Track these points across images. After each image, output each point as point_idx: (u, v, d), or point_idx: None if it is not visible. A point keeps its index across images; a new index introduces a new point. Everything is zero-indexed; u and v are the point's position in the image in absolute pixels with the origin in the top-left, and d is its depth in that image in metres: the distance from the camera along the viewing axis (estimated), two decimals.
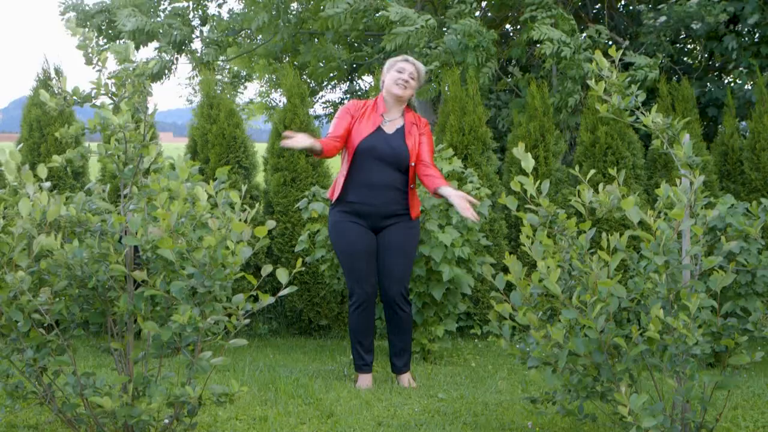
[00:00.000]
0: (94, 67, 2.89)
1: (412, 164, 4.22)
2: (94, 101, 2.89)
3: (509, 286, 3.08)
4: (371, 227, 4.23)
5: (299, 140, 3.99)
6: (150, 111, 2.91)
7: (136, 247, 2.88)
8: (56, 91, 2.87)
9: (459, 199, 3.99)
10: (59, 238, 2.74)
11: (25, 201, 2.67)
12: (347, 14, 8.30)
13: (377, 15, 8.19)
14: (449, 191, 4.07)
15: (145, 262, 2.85)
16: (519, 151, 3.16)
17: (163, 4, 11.14)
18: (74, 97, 2.87)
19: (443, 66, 7.61)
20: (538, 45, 7.56)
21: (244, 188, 3.09)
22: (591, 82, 3.16)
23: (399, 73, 4.28)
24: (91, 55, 2.88)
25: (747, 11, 7.90)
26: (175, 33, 10.12)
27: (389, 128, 4.27)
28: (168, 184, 2.84)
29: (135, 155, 2.88)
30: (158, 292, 2.76)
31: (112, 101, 2.88)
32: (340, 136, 4.20)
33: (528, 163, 3.14)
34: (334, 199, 4.25)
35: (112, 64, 2.92)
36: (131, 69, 2.86)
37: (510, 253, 3.16)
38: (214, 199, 2.98)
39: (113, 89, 2.89)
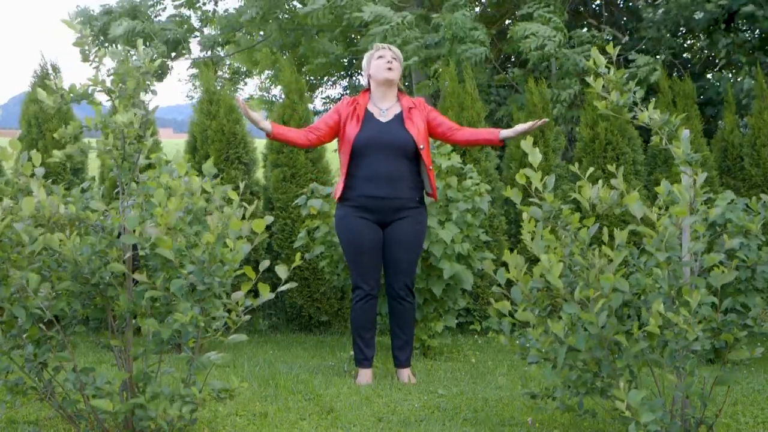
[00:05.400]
0: (91, 64, 2.88)
1: (421, 147, 4.18)
2: (91, 98, 2.88)
3: (510, 282, 3.07)
4: (380, 221, 4.21)
5: (251, 114, 4.15)
6: (150, 108, 2.90)
7: (134, 244, 2.87)
8: (54, 89, 2.86)
9: (524, 126, 4.17)
10: (67, 236, 2.73)
11: (29, 200, 2.64)
12: (325, 9, 8.29)
13: (352, 16, 8.17)
14: (509, 132, 4.21)
15: (144, 258, 2.85)
16: (527, 145, 3.16)
17: (162, 4, 11.17)
18: (71, 95, 2.86)
19: (431, 61, 7.59)
20: (526, 39, 7.54)
21: (242, 185, 3.08)
22: (589, 79, 3.14)
23: (382, 58, 4.32)
24: (87, 52, 2.87)
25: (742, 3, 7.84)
26: (169, 34, 10.17)
27: (385, 117, 4.26)
28: (166, 182, 2.83)
29: (132, 151, 2.87)
30: (159, 293, 2.76)
31: (109, 98, 2.86)
32: (317, 129, 4.30)
33: (535, 157, 3.15)
34: (338, 198, 4.25)
35: (109, 62, 2.91)
36: (134, 66, 2.85)
37: (510, 249, 3.16)
38: (209, 195, 2.96)
39: (110, 86, 2.88)
